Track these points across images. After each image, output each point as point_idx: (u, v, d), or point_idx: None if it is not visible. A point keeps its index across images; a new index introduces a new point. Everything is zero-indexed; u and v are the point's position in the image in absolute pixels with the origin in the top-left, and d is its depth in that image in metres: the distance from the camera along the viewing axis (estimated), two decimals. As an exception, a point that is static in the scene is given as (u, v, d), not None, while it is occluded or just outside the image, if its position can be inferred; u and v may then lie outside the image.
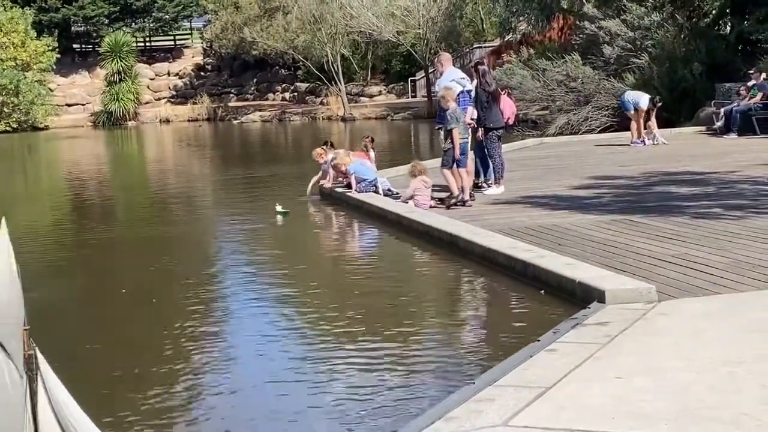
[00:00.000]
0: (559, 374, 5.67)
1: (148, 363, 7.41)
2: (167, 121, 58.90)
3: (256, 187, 20.17)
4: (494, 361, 6.61)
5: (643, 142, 20.89)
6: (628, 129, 21.57)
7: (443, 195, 13.43)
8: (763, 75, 22.75)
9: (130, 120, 58.75)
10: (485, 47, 47.43)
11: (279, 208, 14.73)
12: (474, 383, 5.83)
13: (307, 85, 57.69)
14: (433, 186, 13.81)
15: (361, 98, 53.80)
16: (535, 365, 5.93)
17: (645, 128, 21.14)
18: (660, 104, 21.67)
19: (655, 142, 20.95)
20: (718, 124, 22.60)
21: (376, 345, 7.44)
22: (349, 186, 15.31)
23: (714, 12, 28.29)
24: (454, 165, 13.04)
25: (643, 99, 21.15)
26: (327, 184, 16.07)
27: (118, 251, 13.21)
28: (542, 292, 8.33)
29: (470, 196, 13.55)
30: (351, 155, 15.98)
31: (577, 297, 7.87)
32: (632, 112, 21.11)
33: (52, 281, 10.77)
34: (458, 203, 12.98)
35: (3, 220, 4.05)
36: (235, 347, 7.81)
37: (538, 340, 6.63)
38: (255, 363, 7.39)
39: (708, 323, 6.65)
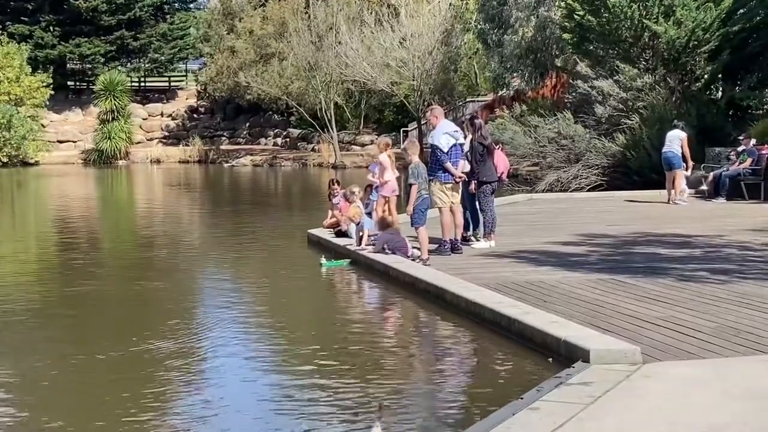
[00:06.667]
0: (541, 434, 5.62)
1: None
2: (158, 161, 59.03)
3: (246, 234, 20.05)
4: (476, 418, 6.54)
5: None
6: (618, 189, 21.52)
7: (432, 247, 13.40)
8: (753, 141, 22.91)
9: (120, 159, 58.89)
10: (478, 101, 47.73)
11: (323, 260, 14.27)
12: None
13: (300, 131, 57.94)
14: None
15: (353, 146, 53.99)
16: (517, 423, 5.88)
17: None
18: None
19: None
20: (704, 186, 22.69)
21: (353, 398, 7.34)
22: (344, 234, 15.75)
23: (706, 77, 28.56)
24: (421, 222, 13.10)
25: (681, 133, 21.11)
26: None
27: (99, 307, 12.48)
28: (550, 360, 8.01)
29: (458, 249, 13.58)
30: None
31: (562, 355, 7.83)
32: (682, 167, 20.95)
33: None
34: (416, 260, 12.98)
35: None
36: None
37: (521, 398, 6.58)
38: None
39: (692, 388, 6.61)
